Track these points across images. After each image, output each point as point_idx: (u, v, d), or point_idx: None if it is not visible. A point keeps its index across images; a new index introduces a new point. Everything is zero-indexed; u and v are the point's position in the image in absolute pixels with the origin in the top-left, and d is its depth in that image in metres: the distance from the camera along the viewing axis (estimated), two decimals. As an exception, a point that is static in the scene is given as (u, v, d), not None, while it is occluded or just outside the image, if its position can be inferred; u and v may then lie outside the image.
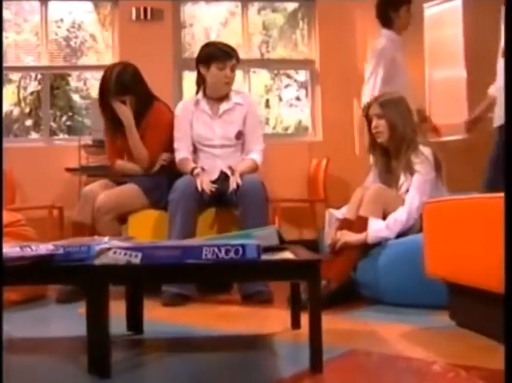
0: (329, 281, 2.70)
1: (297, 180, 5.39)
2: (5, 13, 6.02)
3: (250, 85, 5.78)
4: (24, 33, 5.98)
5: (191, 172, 3.07)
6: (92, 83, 6.11)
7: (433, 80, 5.12)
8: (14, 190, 5.00)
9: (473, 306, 2.08)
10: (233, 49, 3.23)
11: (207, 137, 3.23)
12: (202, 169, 3.13)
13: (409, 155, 2.85)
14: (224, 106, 3.23)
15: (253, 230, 2.03)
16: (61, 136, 6.03)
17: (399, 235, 2.71)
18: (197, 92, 3.28)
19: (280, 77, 6.53)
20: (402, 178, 2.88)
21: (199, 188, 2.91)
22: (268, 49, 6.41)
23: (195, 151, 3.27)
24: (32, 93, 6.00)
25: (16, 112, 6.16)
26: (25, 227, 3.16)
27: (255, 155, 3.20)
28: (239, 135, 3.24)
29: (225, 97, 3.24)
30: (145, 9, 5.38)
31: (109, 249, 1.66)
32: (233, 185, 2.95)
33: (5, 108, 6.16)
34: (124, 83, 3.19)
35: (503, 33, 2.94)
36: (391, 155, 2.95)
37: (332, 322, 2.36)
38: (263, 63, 6.06)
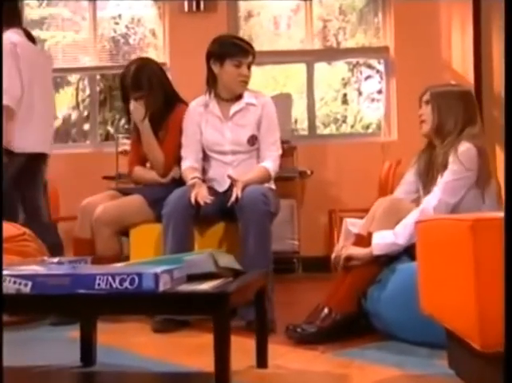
0: (331, 310, 2.57)
1: (366, 187, 5.19)
2: (63, 12, 6.38)
3: (312, 80, 5.65)
4: (82, 32, 6.27)
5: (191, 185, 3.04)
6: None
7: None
8: (58, 199, 5.24)
9: (467, 355, 1.86)
10: (249, 45, 3.18)
11: (217, 143, 3.19)
12: (203, 180, 3.11)
13: (448, 149, 2.63)
14: (235, 107, 3.18)
15: (186, 254, 1.97)
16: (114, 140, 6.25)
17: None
18: (207, 92, 3.25)
19: (359, 68, 6.35)
20: (439, 178, 2.67)
21: (192, 201, 2.88)
22: (345, 36, 6.26)
23: (206, 158, 3.25)
24: (89, 95, 6.25)
25: (74, 116, 6.47)
26: (25, 243, 3.27)
27: (268, 163, 3.12)
28: (252, 140, 3.17)
29: (237, 98, 3.19)
30: (197, 0, 5.43)
31: (-1, 276, 1.67)
32: (232, 197, 2.89)
33: (64, 112, 6.51)
34: (140, 79, 3.26)
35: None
36: (437, 150, 2.74)
37: (312, 362, 2.26)
38: (327, 54, 5.90)
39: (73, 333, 2.77)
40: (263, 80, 6.28)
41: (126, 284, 1.61)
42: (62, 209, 5.27)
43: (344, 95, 6.38)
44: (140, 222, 3.19)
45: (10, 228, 3.33)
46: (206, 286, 1.73)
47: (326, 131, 6.25)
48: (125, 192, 3.36)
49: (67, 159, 5.50)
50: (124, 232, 3.23)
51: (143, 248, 3.13)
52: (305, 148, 5.11)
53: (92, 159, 5.51)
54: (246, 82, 3.17)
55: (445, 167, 2.59)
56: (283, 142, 4.82)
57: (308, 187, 5.28)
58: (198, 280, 1.84)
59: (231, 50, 3.12)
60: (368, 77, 6.35)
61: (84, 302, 1.61)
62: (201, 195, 2.91)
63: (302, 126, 5.94)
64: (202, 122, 3.21)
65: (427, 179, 2.74)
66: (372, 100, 6.33)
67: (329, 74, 6.41)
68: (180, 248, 2.83)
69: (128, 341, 2.62)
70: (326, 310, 2.57)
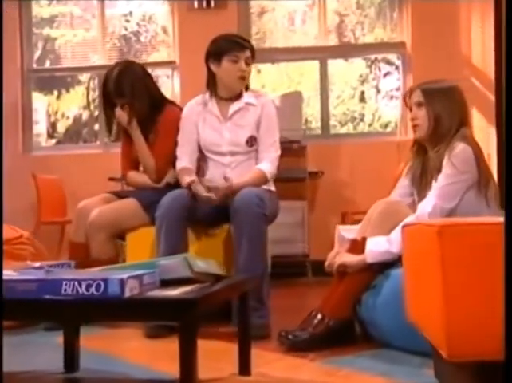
0: (324, 316, 2.58)
1: (380, 188, 5.16)
2: (73, 10, 6.47)
3: (326, 77, 5.65)
4: (92, 30, 6.35)
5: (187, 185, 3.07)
6: (164, 81, 6.32)
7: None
8: (66, 201, 5.33)
9: (446, 364, 1.85)
10: (246, 40, 3.22)
11: (215, 143, 3.22)
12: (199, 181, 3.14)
13: (442, 153, 2.61)
14: (234, 107, 3.20)
15: (161, 258, 2.00)
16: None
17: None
18: (207, 93, 3.28)
19: (378, 65, 6.32)
20: (433, 183, 2.66)
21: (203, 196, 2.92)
22: (363, 31, 6.25)
23: (204, 159, 3.28)
24: (99, 95, 6.32)
25: (85, 115, 6.55)
26: (22, 246, 3.35)
27: (265, 165, 3.14)
28: (251, 140, 3.19)
29: (236, 97, 3.22)
30: (208, -4, 5.48)
31: (-32, 281, 1.72)
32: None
33: (74, 111, 6.60)
34: (122, 84, 3.29)
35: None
36: (429, 154, 2.73)
37: (298, 369, 2.28)
38: (340, 50, 5.90)
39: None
40: (277, 77, 6.29)
41: (92, 290, 1.65)
42: (70, 211, 5.35)
43: (362, 92, 6.34)
44: (135, 225, 3.23)
45: (8, 230, 3.40)
46: (177, 291, 1.76)
47: (343, 130, 6.23)
48: (120, 195, 3.41)
49: (76, 160, 5.61)
50: (120, 235, 3.28)
51: (140, 252, 3.17)
52: (316, 147, 5.12)
53: (100, 160, 5.59)
54: (244, 78, 3.18)
55: (439, 171, 2.57)
56: (293, 142, 4.88)
57: (320, 189, 5.28)
58: (174, 285, 1.87)
59: (227, 46, 3.16)
60: (386, 74, 6.31)
61: (49, 308, 1.65)
62: (201, 192, 2.95)
63: (317, 125, 5.94)
64: (199, 121, 3.24)
65: (421, 185, 2.73)
66: (391, 97, 6.29)
67: (346, 71, 6.39)
68: (173, 251, 2.84)
69: (118, 347, 2.66)
70: (319, 316, 2.59)
